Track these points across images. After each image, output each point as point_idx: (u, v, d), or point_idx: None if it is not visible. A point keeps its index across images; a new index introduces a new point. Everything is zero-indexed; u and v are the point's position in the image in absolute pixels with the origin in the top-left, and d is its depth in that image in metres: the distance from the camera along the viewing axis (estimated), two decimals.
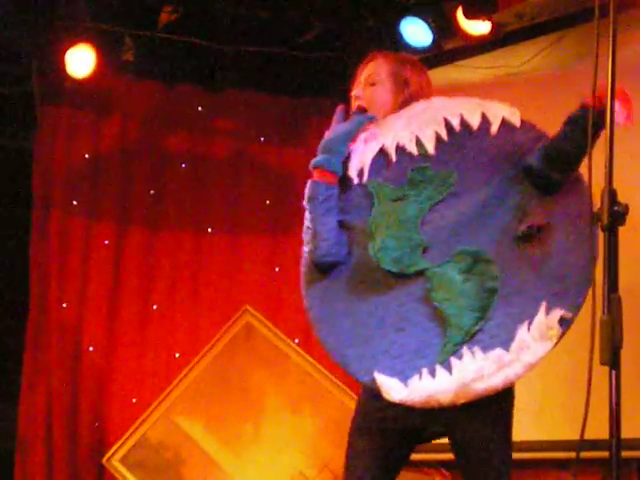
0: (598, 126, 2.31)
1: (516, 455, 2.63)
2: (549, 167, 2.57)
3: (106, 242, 5.30)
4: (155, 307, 5.32)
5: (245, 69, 5.30)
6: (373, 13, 4.80)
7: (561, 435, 4.29)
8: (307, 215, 2.73)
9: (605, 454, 1.91)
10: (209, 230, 5.44)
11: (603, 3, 2.04)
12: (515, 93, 4.70)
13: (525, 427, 4.39)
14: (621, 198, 1.96)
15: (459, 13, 4.41)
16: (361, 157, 2.77)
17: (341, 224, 2.73)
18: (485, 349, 2.46)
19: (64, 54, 4.81)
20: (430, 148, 2.70)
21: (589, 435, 2.03)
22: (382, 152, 2.74)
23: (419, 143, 2.71)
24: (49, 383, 5.11)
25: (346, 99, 2.85)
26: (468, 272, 2.55)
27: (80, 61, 4.84)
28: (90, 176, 5.33)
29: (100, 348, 5.20)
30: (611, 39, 1.99)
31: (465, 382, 2.44)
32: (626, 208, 1.93)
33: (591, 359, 1.91)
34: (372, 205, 2.71)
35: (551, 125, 4.48)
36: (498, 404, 2.57)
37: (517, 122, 2.72)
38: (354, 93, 2.80)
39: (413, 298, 2.59)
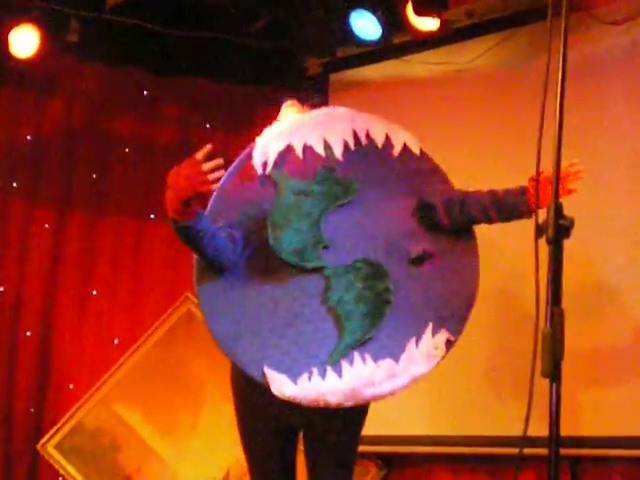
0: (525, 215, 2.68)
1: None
2: (449, 219, 2.76)
3: (46, 226, 5.22)
4: (95, 292, 5.26)
5: (192, 55, 5.23)
6: (323, 4, 4.77)
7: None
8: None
9: (543, 451, 1.94)
10: (152, 216, 5.39)
11: (555, 3, 2.05)
12: (463, 89, 4.74)
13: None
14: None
15: (409, 9, 4.40)
16: (265, 150, 2.79)
17: (239, 219, 2.70)
18: (376, 357, 2.59)
19: (7, 33, 4.71)
20: (338, 153, 2.79)
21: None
22: (288, 149, 2.79)
23: (327, 147, 2.79)
24: None
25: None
26: (368, 280, 2.67)
27: (24, 41, 4.74)
28: (31, 158, 5.25)
29: (38, 333, 5.14)
30: (562, 39, 2.00)
31: (356, 387, 2.56)
32: (571, 222, 1.94)
33: (533, 370, 1.93)
34: (274, 196, 2.74)
35: (498, 122, 4.55)
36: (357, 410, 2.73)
37: (417, 150, 2.88)
38: None
39: (308, 294, 2.64)
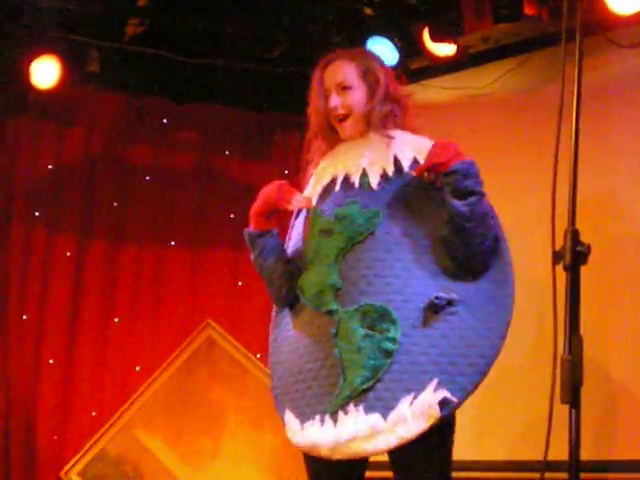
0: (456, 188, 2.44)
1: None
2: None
3: (68, 254, 5.26)
4: (116, 320, 5.29)
5: (210, 83, 5.29)
6: (340, 31, 4.81)
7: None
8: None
9: (564, 475, 1.95)
10: (172, 243, 5.42)
11: (569, 28, 2.06)
12: (479, 114, 4.76)
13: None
14: None
15: (425, 35, 4.43)
16: (315, 183, 2.73)
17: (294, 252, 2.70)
18: (367, 410, 2.39)
19: (29, 65, 4.77)
20: (374, 182, 2.61)
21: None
22: (333, 181, 2.68)
23: (364, 174, 2.62)
24: (8, 395, 5.05)
25: (305, 109, 2.76)
26: (370, 327, 2.45)
27: (45, 72, 4.81)
28: (53, 187, 5.30)
29: (60, 361, 5.16)
30: (577, 63, 2.02)
31: (340, 440, 2.40)
32: (588, 248, 1.95)
33: (552, 397, 1.94)
34: (309, 234, 2.66)
35: (513, 146, 4.57)
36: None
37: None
38: (332, 104, 2.66)
39: (325, 339, 2.52)
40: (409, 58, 4.74)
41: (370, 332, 2.44)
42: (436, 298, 2.42)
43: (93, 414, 5.15)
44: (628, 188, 4.25)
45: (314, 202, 2.68)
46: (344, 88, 2.67)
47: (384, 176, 2.61)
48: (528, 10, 4.15)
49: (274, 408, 2.64)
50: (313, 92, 2.74)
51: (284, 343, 2.67)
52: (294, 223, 2.79)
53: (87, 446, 5.02)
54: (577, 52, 2.03)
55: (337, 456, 2.42)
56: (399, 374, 2.40)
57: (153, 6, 4.86)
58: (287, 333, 2.67)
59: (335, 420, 2.42)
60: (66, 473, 5.01)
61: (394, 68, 4.71)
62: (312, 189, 2.73)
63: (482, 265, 2.51)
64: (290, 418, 2.53)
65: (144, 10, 4.91)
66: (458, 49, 4.48)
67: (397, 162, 2.61)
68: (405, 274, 2.49)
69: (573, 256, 1.94)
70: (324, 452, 2.44)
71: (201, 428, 5.09)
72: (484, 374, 2.40)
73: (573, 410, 1.90)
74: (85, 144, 5.38)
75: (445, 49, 4.47)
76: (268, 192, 2.67)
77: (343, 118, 2.68)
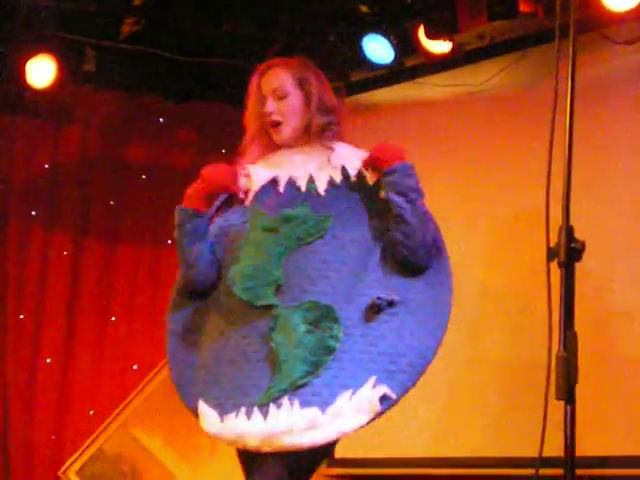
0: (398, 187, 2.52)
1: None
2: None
3: (64, 253, 5.27)
4: (113, 319, 5.29)
5: (207, 81, 5.28)
6: (336, 29, 4.80)
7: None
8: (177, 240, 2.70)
9: (559, 471, 1.96)
10: (169, 242, 5.41)
11: (563, 24, 2.07)
12: (475, 111, 4.76)
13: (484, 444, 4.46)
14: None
15: (420, 32, 4.43)
16: (250, 181, 2.73)
17: (216, 245, 2.69)
18: (304, 404, 2.40)
19: (24, 64, 4.77)
20: (321, 189, 2.67)
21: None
22: (273, 181, 2.71)
23: (311, 180, 2.68)
24: (5, 395, 5.08)
25: (243, 109, 2.82)
26: (313, 324, 2.48)
27: (40, 71, 4.80)
28: (49, 186, 5.30)
29: (57, 360, 5.17)
30: (571, 59, 2.02)
31: (273, 432, 2.39)
32: (583, 245, 1.96)
33: (547, 394, 1.94)
34: (248, 231, 2.67)
35: (509, 143, 4.57)
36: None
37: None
38: (268, 109, 2.73)
39: (256, 333, 2.53)
40: (404, 56, 4.73)
41: (313, 329, 2.48)
42: (377, 299, 2.49)
43: (91, 413, 5.15)
44: (621, 181, 4.26)
45: (251, 200, 2.71)
46: (280, 95, 2.75)
47: (331, 183, 2.68)
48: (523, 7, 4.16)
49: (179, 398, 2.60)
50: (250, 98, 2.83)
51: (198, 333, 2.64)
52: (216, 210, 2.76)
53: (85, 445, 5.03)
54: (570, 48, 2.04)
55: (267, 448, 2.40)
56: (338, 371, 2.44)
57: (149, 4, 4.85)
58: (202, 323, 2.65)
59: (265, 413, 2.41)
60: (64, 472, 5.01)
61: (389, 65, 4.77)
62: (250, 186, 2.74)
63: (424, 262, 2.60)
64: (205, 409, 2.50)
65: (140, 9, 4.91)
66: (453, 46, 4.48)
67: (344, 171, 2.68)
68: (350, 277, 2.55)
69: (567, 253, 1.95)
70: (252, 444, 2.41)
71: (199, 426, 5.09)
72: (421, 374, 2.47)
73: (568, 406, 1.91)
74: (81, 143, 5.39)
75: (440, 46, 4.47)
76: (217, 173, 2.67)
77: (277, 124, 2.75)
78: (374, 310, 2.50)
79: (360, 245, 2.59)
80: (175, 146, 5.55)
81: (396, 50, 4.64)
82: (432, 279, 2.60)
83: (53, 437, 5.09)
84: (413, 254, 2.57)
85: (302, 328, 2.48)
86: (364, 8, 4.64)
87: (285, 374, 2.44)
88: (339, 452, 4.88)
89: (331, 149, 2.72)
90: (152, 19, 4.95)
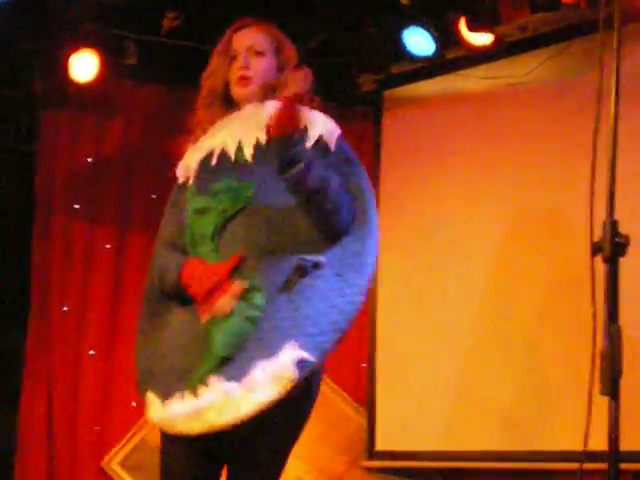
0: (284, 157, 2.35)
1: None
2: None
3: (107, 246, 5.31)
4: None
5: None
6: (377, 21, 4.79)
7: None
8: None
9: (603, 466, 1.95)
10: None
11: (607, 15, 2.05)
12: (517, 103, 4.74)
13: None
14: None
15: (462, 24, 4.41)
16: (188, 159, 2.67)
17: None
18: (228, 379, 2.33)
19: (67, 58, 4.82)
20: (248, 154, 2.54)
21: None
22: (209, 155, 2.60)
23: (240, 148, 2.56)
24: (50, 387, 5.12)
25: (207, 61, 2.69)
26: (240, 298, 2.41)
27: (83, 65, 4.85)
28: (92, 180, 5.34)
29: (101, 351, 5.21)
30: (616, 51, 2.00)
31: (198, 410, 2.33)
32: (627, 239, 1.94)
33: (591, 388, 1.93)
34: (185, 213, 2.58)
35: (551, 136, 4.54)
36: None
37: (332, 145, 2.53)
38: (240, 63, 2.61)
39: (195, 318, 2.46)
40: (445, 48, 4.72)
41: (237, 301, 2.40)
42: (300, 259, 2.39)
43: (133, 404, 5.18)
44: None
45: (191, 179, 2.62)
46: (255, 52, 2.64)
47: (257, 146, 2.54)
48: None
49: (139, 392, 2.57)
50: (216, 54, 2.72)
51: (157, 328, 2.61)
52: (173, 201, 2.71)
53: (128, 436, 5.07)
54: (615, 39, 2.02)
55: (197, 430, 2.34)
56: (259, 341, 2.35)
57: None
58: (162, 318, 2.61)
59: (196, 394, 2.36)
60: (107, 463, 5.06)
61: (430, 58, 4.75)
62: (188, 164, 2.67)
63: (339, 228, 2.44)
64: (152, 398, 2.47)
65: (180, 3, 4.94)
66: (495, 38, 4.45)
67: (268, 130, 2.47)
68: (273, 243, 2.44)
69: (612, 247, 1.94)
70: (181, 426, 2.37)
71: None
72: (342, 332, 2.37)
73: (612, 401, 1.90)
74: (123, 136, 5.42)
75: (482, 38, 4.45)
76: (206, 281, 2.48)
77: (245, 79, 2.62)
78: (299, 273, 2.39)
79: (283, 210, 2.46)
80: None
81: (437, 42, 4.63)
82: (354, 242, 2.45)
83: (97, 428, 5.13)
84: (325, 221, 2.43)
85: (230, 304, 2.41)
86: (405, 0, 4.63)
87: (213, 352, 2.38)
88: (380, 444, 4.92)
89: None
90: (192, 13, 4.98)
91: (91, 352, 5.20)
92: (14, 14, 4.64)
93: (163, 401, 2.42)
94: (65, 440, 5.10)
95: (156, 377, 2.50)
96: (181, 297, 2.55)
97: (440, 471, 4.75)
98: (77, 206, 5.30)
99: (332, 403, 5.12)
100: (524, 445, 4.43)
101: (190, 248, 2.56)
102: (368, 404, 5.03)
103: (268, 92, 2.62)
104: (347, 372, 5.16)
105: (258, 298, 2.39)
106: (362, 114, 5.38)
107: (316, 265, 2.39)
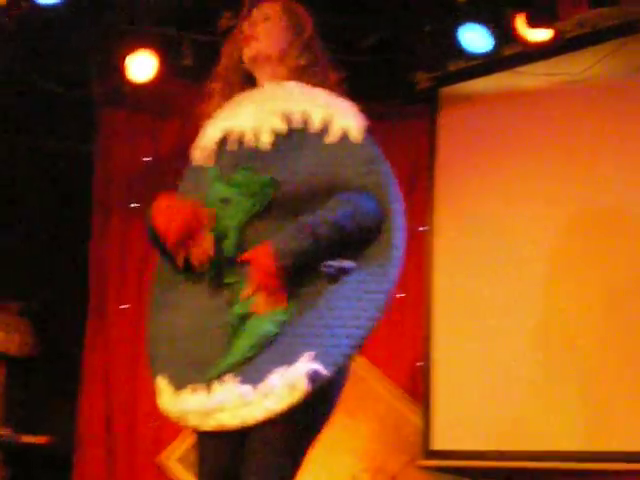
0: None
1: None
2: None
3: None
4: None
5: None
6: (433, 18, 4.78)
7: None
8: None
9: None
10: None
11: None
12: (576, 100, 4.69)
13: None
14: None
15: (519, 21, 4.38)
16: (206, 139, 2.60)
17: None
18: (243, 381, 2.28)
19: (125, 59, 4.86)
20: (266, 142, 2.45)
21: None
22: (225, 137, 2.53)
23: (257, 134, 2.47)
24: (108, 383, 5.18)
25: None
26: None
27: (141, 66, 4.89)
28: (149, 179, 5.39)
29: None
30: None
31: (210, 409, 2.29)
32: None
33: None
34: (207, 198, 2.48)
35: (611, 132, 4.49)
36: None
37: (359, 138, 2.42)
38: (247, 32, 2.57)
39: (219, 308, 2.40)
40: (502, 45, 4.68)
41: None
42: (324, 266, 2.30)
43: None
44: None
45: (210, 160, 2.54)
46: (264, 17, 2.60)
47: (276, 132, 2.46)
48: None
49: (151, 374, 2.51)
50: (237, 27, 2.67)
51: (169, 310, 2.51)
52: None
53: (186, 432, 5.10)
54: None
55: (205, 427, 2.32)
56: (281, 346, 2.29)
57: None
58: (174, 300, 2.52)
59: (210, 389, 2.32)
60: (165, 459, 5.10)
61: (487, 55, 4.72)
62: (205, 145, 2.60)
63: (368, 235, 2.34)
64: (163, 384, 2.42)
65: (236, 3, 4.95)
66: (553, 35, 4.41)
67: (288, 116, 2.43)
68: None
69: None
70: (193, 421, 2.34)
71: None
72: (358, 345, 2.28)
73: None
74: (180, 136, 5.45)
75: (540, 35, 4.41)
76: (181, 218, 2.42)
77: (250, 40, 2.58)
78: (327, 280, 2.31)
79: (310, 206, 2.36)
80: None
81: (494, 39, 4.60)
82: (376, 251, 2.35)
83: (155, 424, 5.16)
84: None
85: (252, 302, 2.35)
86: None
87: (235, 350, 2.33)
88: (436, 444, 4.90)
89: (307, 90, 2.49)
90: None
91: None
92: (73, 14, 4.69)
93: (175, 391, 2.38)
94: (123, 437, 5.15)
95: (169, 362, 2.44)
96: (186, 269, 2.47)
97: (494, 470, 4.72)
98: (134, 205, 5.35)
99: (388, 402, 5.12)
100: (589, 445, 4.38)
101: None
102: (424, 403, 5.02)
103: (278, 57, 2.57)
104: (403, 371, 5.15)
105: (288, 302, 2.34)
106: (418, 112, 5.36)
107: (343, 270, 2.32)
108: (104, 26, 4.84)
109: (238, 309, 2.36)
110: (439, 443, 4.91)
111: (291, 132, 2.44)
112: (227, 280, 2.41)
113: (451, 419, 4.90)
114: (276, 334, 2.31)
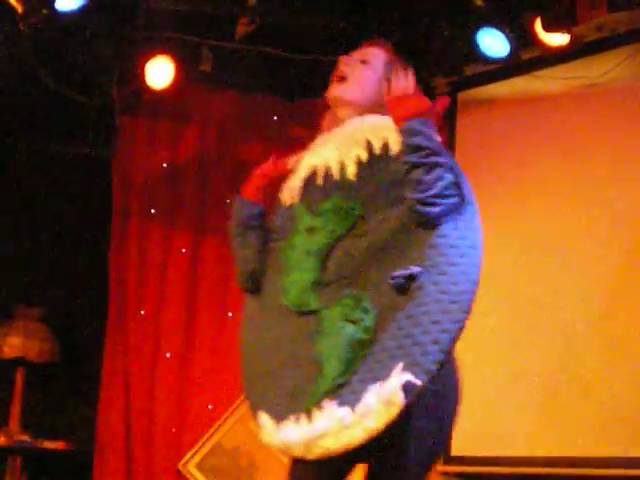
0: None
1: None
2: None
3: (183, 250, 5.36)
4: (230, 315, 5.35)
5: (321, 78, 5.30)
6: (450, 23, 4.77)
7: None
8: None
9: None
10: None
11: None
12: (593, 105, 4.67)
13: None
14: None
15: (537, 25, 4.36)
16: (292, 180, 2.65)
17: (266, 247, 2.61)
18: (341, 404, 2.27)
19: (144, 65, 4.88)
20: (351, 174, 2.50)
21: None
22: (314, 173, 2.59)
23: (343, 167, 2.53)
24: (127, 389, 5.20)
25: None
26: (348, 319, 2.35)
27: (159, 72, 4.91)
28: (168, 185, 5.41)
29: (177, 354, 5.27)
30: None
31: (314, 437, 2.29)
32: None
33: None
34: (288, 231, 2.56)
35: (629, 139, 4.47)
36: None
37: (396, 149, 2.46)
38: (343, 64, 2.65)
39: (304, 337, 2.42)
40: (520, 49, 4.67)
41: (346, 323, 2.36)
42: (392, 278, 2.31)
43: (209, 407, 5.23)
44: None
45: (296, 198, 2.61)
46: (362, 60, 2.66)
47: (360, 163, 2.51)
48: None
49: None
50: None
51: (255, 343, 2.56)
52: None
53: (204, 439, 5.12)
54: None
55: (311, 456, 2.31)
56: (372, 364, 2.29)
57: (262, 5, 4.91)
58: (257, 333, 2.56)
59: (310, 418, 2.32)
60: (184, 465, 5.11)
61: (505, 59, 4.70)
62: (292, 185, 2.65)
63: (441, 211, 2.34)
64: (265, 420, 2.42)
65: (254, 9, 4.97)
66: (571, 39, 4.39)
67: (369, 145, 2.50)
68: (378, 262, 2.38)
69: None
70: (297, 451, 2.34)
71: None
72: (447, 351, 2.26)
73: None
74: (199, 142, 5.48)
75: (558, 39, 4.39)
76: (262, 166, 2.74)
77: (340, 79, 2.66)
78: (398, 291, 2.30)
79: (389, 225, 2.39)
80: (289, 144, 5.57)
81: (511, 43, 4.58)
82: (456, 237, 2.35)
83: (173, 430, 5.19)
84: (429, 206, 2.33)
85: (340, 325, 2.37)
86: (479, 1, 4.60)
87: (327, 375, 2.34)
88: (455, 450, 4.87)
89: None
90: (265, 19, 5.00)
91: (168, 355, 5.25)
92: (91, 21, 4.71)
93: (277, 423, 2.39)
94: (143, 442, 5.16)
95: (266, 396, 2.46)
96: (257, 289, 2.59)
97: (514, 477, 4.70)
98: (153, 211, 5.37)
99: None
100: (607, 452, 4.35)
101: (292, 263, 2.53)
102: None
103: (369, 107, 2.61)
104: None
105: (368, 320, 2.34)
106: None
107: (411, 277, 2.30)
108: (123, 33, 4.86)
109: (323, 336, 2.39)
110: (458, 449, 4.88)
111: (372, 159, 2.49)
112: (309, 308, 2.45)
113: (470, 425, 4.87)
114: (360, 340, 2.32)
